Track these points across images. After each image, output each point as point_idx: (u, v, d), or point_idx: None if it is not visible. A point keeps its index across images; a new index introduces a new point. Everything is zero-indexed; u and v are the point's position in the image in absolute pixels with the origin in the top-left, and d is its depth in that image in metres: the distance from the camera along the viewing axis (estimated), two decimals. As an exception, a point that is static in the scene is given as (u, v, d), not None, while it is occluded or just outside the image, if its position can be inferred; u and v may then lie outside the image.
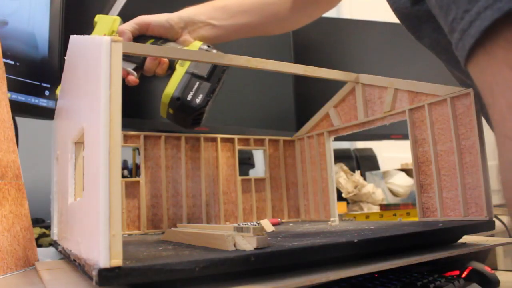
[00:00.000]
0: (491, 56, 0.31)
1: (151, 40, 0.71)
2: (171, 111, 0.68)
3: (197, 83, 0.68)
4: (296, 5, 0.76)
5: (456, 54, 0.34)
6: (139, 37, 0.71)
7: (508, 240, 0.54)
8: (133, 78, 0.69)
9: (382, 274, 0.50)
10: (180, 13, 0.72)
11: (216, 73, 0.70)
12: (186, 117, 0.68)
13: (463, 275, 0.53)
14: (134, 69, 0.69)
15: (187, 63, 0.69)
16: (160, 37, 0.71)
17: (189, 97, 0.67)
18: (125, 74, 0.69)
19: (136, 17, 0.71)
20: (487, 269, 0.54)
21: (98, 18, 0.73)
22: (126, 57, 0.69)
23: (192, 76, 0.68)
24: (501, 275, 0.60)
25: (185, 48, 0.71)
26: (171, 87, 0.68)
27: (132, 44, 0.50)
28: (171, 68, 0.72)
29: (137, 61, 0.70)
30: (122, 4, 0.78)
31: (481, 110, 0.53)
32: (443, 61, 0.54)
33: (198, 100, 0.67)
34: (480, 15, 0.30)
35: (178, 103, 0.67)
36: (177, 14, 0.72)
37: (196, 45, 0.71)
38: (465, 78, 0.52)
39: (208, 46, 0.72)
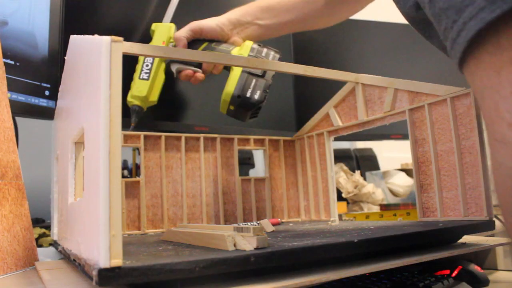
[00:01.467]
0: (480, 61, 0.32)
1: (205, 44, 0.77)
2: (232, 107, 0.75)
3: (254, 80, 0.74)
4: (330, 4, 0.80)
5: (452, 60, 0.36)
6: (193, 41, 0.77)
7: (508, 240, 0.54)
8: (200, 74, 0.76)
9: (373, 273, 0.50)
10: (228, 16, 0.78)
11: (269, 70, 0.75)
12: (246, 112, 0.75)
13: (453, 274, 0.53)
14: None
15: None
16: (213, 40, 0.77)
17: (248, 94, 0.73)
18: (192, 73, 0.75)
19: (189, 23, 0.77)
20: (477, 268, 0.54)
21: (155, 26, 0.81)
22: (184, 62, 0.76)
23: (249, 74, 0.74)
24: (501, 275, 0.60)
25: (226, 51, 0.76)
26: (231, 86, 0.74)
27: (132, 44, 0.50)
28: (226, 68, 0.78)
29: (195, 63, 0.76)
30: (173, 11, 0.84)
31: None
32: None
33: (256, 96, 0.73)
34: (466, 26, 0.32)
35: (239, 100, 0.73)
36: (226, 16, 0.77)
37: (248, 44, 0.77)
38: None
39: (259, 45, 0.78)
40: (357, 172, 1.09)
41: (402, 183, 1.12)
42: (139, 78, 0.78)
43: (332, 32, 1.31)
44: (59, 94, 0.61)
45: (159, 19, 0.87)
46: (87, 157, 0.36)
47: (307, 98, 1.18)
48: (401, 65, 1.31)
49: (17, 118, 0.79)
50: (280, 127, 1.10)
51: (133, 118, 0.78)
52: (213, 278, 0.34)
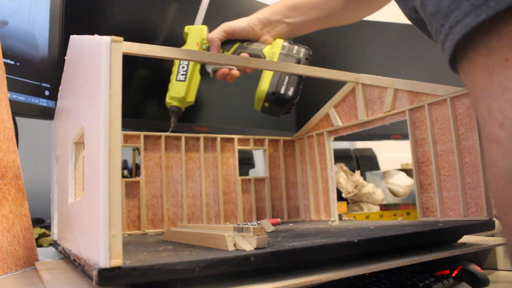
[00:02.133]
0: (472, 62, 0.33)
1: (237, 44, 0.79)
2: (266, 104, 0.78)
3: (287, 77, 0.76)
4: (351, 1, 0.82)
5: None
6: (226, 42, 0.80)
7: (505, 240, 0.54)
8: (236, 71, 0.78)
9: (373, 273, 0.50)
10: (257, 15, 0.80)
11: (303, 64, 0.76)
12: (280, 109, 0.78)
13: (453, 274, 0.53)
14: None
15: (276, 58, 0.77)
16: (244, 40, 0.79)
17: (282, 91, 0.76)
18: (227, 71, 0.77)
19: (221, 24, 0.79)
20: (477, 268, 0.54)
21: (188, 29, 0.83)
22: None
23: (282, 72, 0.75)
24: (501, 275, 0.60)
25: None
26: (265, 84, 0.77)
27: (132, 44, 0.50)
28: None
29: None
30: (204, 13, 0.86)
31: None
32: None
33: (290, 93, 0.76)
34: (452, 30, 0.33)
35: (274, 97, 0.76)
36: (256, 16, 0.80)
37: (279, 42, 0.79)
38: None
39: (289, 42, 0.80)
40: (357, 172, 1.09)
41: (402, 183, 1.12)
42: (176, 80, 0.80)
43: (332, 32, 1.31)
44: (59, 94, 0.61)
45: (160, 19, 0.87)
46: (87, 157, 0.36)
47: (307, 98, 1.18)
48: (401, 65, 1.31)
49: (17, 118, 0.79)
50: (280, 127, 1.10)
51: (172, 118, 0.81)
52: (213, 278, 0.34)
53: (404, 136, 1.26)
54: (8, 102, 0.57)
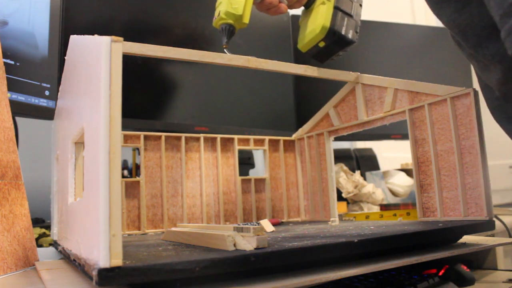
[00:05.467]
0: None
1: None
2: (321, 44, 0.70)
3: (346, 19, 0.70)
4: None
5: (504, 43, 0.34)
6: None
7: (508, 240, 0.54)
8: (284, 6, 0.71)
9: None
10: None
11: (357, 11, 0.72)
12: (337, 50, 0.71)
13: (440, 273, 0.53)
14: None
15: None
16: None
17: (343, 31, 0.69)
18: (277, 1, 0.70)
19: None
20: (463, 267, 0.54)
21: None
22: None
23: (341, 12, 0.70)
24: (501, 275, 0.60)
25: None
26: (326, 20, 0.69)
27: (132, 44, 0.50)
28: (307, 4, 0.73)
29: None
30: None
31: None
32: (457, 40, 0.54)
33: (350, 35, 0.70)
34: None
35: (335, 37, 0.69)
36: None
37: None
38: (476, 54, 0.51)
39: None
40: (357, 172, 1.09)
41: (402, 183, 1.12)
42: None
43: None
44: (59, 94, 0.61)
45: (159, 19, 0.87)
46: (87, 157, 0.36)
47: (307, 98, 1.18)
48: (401, 65, 1.31)
49: (17, 118, 0.79)
50: (280, 127, 1.10)
51: (226, 38, 0.69)
52: (213, 278, 0.34)
53: (404, 136, 1.26)
54: (8, 102, 0.57)
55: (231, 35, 0.70)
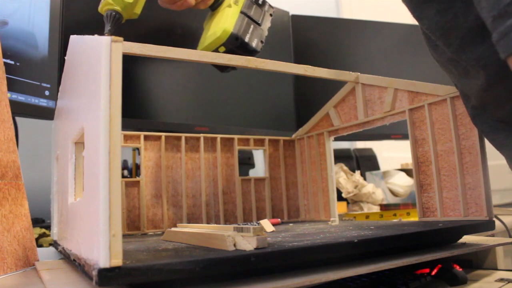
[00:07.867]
0: None
1: None
2: (221, 49, 0.66)
3: (252, 26, 0.67)
4: None
5: (495, 46, 0.34)
6: None
7: (508, 240, 0.54)
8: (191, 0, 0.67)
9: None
10: None
11: (265, 20, 0.69)
12: None
13: (433, 273, 0.53)
14: None
15: (241, 2, 0.67)
16: None
17: (246, 39, 0.66)
18: None
19: None
20: (456, 267, 0.54)
21: None
22: None
23: (248, 18, 0.67)
24: (501, 275, 0.60)
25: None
26: (229, 24, 0.65)
27: (132, 44, 0.50)
28: (213, 5, 0.69)
29: None
30: None
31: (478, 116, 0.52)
32: (440, 45, 0.52)
33: (253, 44, 0.66)
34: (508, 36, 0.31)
35: (237, 42, 0.65)
36: None
37: None
38: (458, 58, 0.50)
39: None
40: (357, 172, 1.09)
41: (402, 183, 1.12)
42: None
43: (332, 32, 1.31)
44: (59, 94, 0.61)
45: (159, 19, 0.87)
46: (87, 157, 0.36)
47: (307, 98, 1.18)
48: (401, 65, 1.31)
49: (17, 118, 0.79)
50: (280, 127, 1.10)
51: (109, 26, 0.63)
52: (213, 278, 0.34)
53: (404, 136, 1.26)
54: (8, 102, 0.57)
55: (116, 25, 0.63)
